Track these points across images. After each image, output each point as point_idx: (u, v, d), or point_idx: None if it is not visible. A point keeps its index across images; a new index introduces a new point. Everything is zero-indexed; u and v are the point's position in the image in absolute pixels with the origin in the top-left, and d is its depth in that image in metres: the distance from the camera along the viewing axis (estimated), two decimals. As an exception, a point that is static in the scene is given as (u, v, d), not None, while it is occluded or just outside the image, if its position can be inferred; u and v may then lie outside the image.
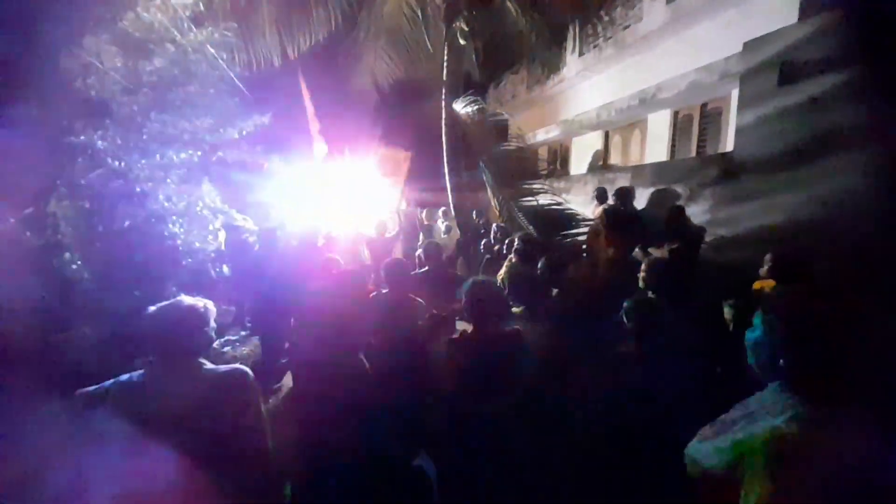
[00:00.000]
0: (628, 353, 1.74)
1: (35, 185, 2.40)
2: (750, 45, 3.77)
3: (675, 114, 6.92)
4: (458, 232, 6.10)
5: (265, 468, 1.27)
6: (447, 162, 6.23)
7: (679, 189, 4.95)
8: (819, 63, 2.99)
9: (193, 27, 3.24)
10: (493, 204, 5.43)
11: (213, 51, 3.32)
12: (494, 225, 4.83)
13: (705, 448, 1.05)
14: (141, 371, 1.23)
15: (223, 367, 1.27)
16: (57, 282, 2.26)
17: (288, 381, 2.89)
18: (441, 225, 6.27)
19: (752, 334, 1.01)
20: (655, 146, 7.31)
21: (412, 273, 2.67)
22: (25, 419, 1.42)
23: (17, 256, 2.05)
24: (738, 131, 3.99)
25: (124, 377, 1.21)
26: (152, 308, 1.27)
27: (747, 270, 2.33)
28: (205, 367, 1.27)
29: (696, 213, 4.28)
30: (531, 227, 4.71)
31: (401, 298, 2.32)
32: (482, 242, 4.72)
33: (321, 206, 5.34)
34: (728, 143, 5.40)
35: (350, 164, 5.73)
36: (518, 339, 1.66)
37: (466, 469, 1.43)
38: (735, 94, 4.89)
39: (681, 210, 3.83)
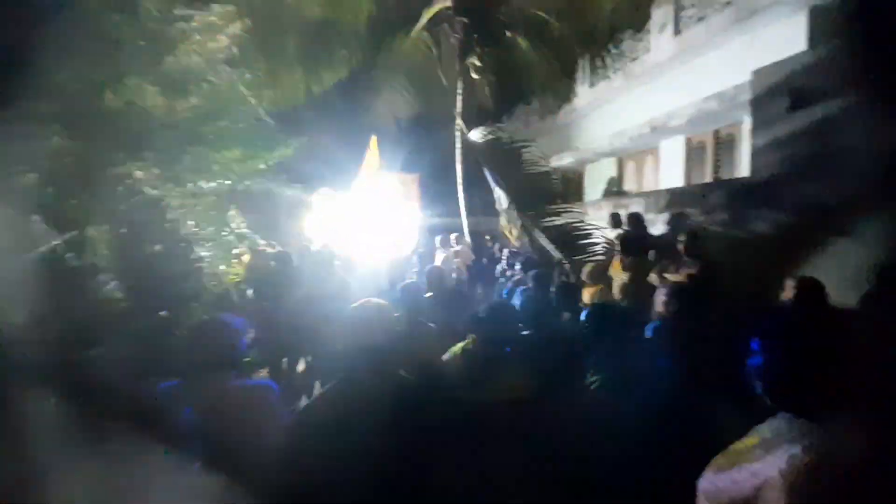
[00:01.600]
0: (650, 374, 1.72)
1: (77, 211, 2.58)
2: (759, 73, 3.85)
3: (689, 140, 6.98)
4: (468, 257, 6.16)
5: (283, 481, 1.29)
6: (461, 189, 6.38)
7: (694, 212, 4.94)
8: (828, 88, 3.04)
9: (227, 68, 3.51)
10: (504, 226, 5.48)
11: (243, 89, 3.57)
12: (506, 250, 4.86)
13: (721, 479, 1.03)
14: (175, 381, 1.30)
15: (251, 381, 1.33)
16: (92, 301, 2.40)
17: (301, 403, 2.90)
18: (450, 251, 6.33)
19: (755, 361, 1.00)
20: (670, 172, 7.34)
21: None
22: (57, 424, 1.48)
23: (60, 276, 2.21)
24: (755, 155, 4.02)
25: (163, 385, 1.27)
26: (192, 322, 1.34)
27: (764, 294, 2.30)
28: (234, 380, 1.32)
29: (712, 237, 4.25)
30: (554, 247, 4.70)
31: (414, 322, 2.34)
32: (497, 267, 4.76)
33: (341, 230, 5.50)
34: (743, 168, 5.40)
35: (368, 191, 5.94)
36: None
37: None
38: (747, 120, 4.93)
39: (697, 234, 3.81)
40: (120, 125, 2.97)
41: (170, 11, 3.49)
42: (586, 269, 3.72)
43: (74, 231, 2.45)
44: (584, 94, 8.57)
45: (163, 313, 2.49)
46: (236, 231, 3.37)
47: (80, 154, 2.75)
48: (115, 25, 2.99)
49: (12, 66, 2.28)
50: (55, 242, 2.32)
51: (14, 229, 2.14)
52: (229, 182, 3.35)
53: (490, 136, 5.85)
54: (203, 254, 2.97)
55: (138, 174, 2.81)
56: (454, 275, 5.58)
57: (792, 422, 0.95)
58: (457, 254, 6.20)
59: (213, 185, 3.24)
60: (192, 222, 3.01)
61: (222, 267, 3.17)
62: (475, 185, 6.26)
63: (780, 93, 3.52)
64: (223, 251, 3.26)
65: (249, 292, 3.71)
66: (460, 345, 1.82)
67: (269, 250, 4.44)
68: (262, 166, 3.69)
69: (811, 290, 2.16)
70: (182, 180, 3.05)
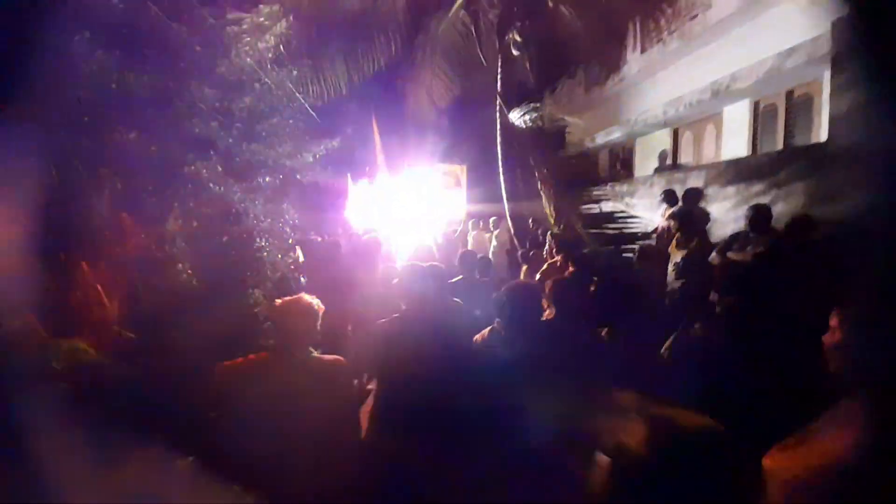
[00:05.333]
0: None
1: (159, 208, 2.89)
2: (840, 23, 3.39)
3: (756, 104, 6.34)
4: (509, 242, 6.10)
5: (356, 456, 1.42)
6: (503, 172, 6.28)
7: (762, 186, 4.53)
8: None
9: (276, 67, 3.69)
10: (548, 212, 5.37)
11: (291, 86, 3.75)
12: (549, 233, 4.77)
13: (789, 459, 1.00)
14: (255, 356, 1.44)
15: (328, 357, 1.46)
16: (173, 288, 2.71)
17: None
18: (491, 234, 6.31)
19: (833, 338, 0.94)
20: (733, 141, 6.73)
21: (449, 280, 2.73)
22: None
23: (149, 265, 2.53)
24: (833, 119, 3.58)
25: (240, 361, 1.42)
26: (278, 301, 1.48)
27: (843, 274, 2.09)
28: (313, 354, 1.45)
29: (784, 212, 3.88)
30: (590, 235, 4.58)
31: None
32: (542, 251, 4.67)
33: (388, 218, 5.67)
34: (821, 133, 4.83)
35: (412, 179, 6.03)
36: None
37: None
38: (827, 77, 4.38)
39: (767, 209, 3.48)
40: (186, 127, 3.24)
41: (223, 16, 3.71)
42: (639, 251, 3.57)
43: (156, 225, 2.75)
44: (634, 61, 8.00)
45: (233, 298, 2.76)
46: (290, 222, 3.60)
47: (154, 155, 3.05)
48: (175, 34, 3.23)
49: (86, 75, 2.56)
50: (142, 235, 2.63)
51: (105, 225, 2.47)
52: (282, 176, 3.56)
53: (528, 117, 5.68)
54: (263, 245, 3.21)
55: (204, 172, 3.08)
56: (491, 258, 5.60)
57: (865, 402, 0.90)
58: (496, 237, 6.19)
59: (268, 179, 3.46)
60: (252, 215, 3.26)
61: (280, 256, 3.41)
62: (517, 167, 6.14)
63: (864, 45, 3.08)
64: (279, 241, 3.51)
65: (303, 279, 3.97)
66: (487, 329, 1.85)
67: (319, 239, 4.69)
68: (311, 159, 3.87)
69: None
70: (242, 177, 3.29)
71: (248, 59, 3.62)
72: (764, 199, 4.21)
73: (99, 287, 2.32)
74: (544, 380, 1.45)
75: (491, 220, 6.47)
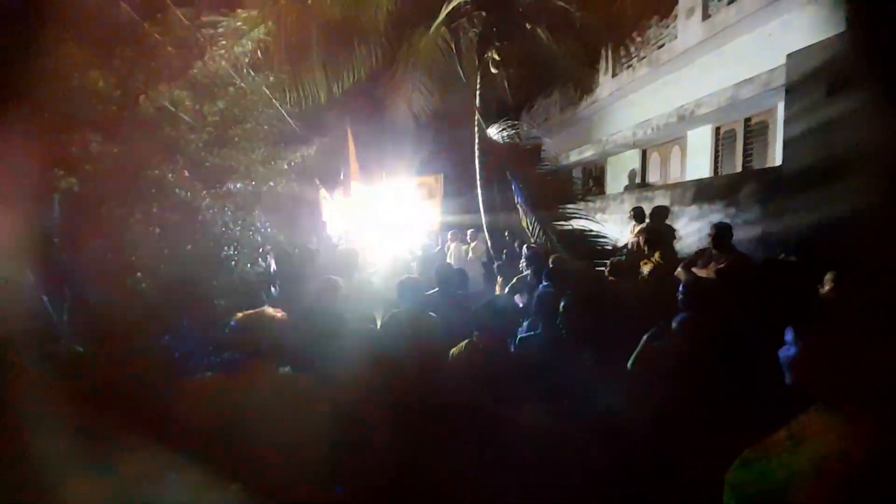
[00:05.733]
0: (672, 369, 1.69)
1: (116, 213, 2.74)
2: (794, 56, 3.66)
3: (717, 129, 6.71)
4: (486, 254, 6.15)
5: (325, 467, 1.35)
6: (480, 185, 6.35)
7: (723, 205, 4.76)
8: (868, 72, 2.85)
9: (252, 72, 3.62)
10: (524, 224, 5.45)
11: (267, 91, 3.68)
12: (525, 247, 4.83)
13: (750, 472, 1.01)
14: (212, 373, 1.36)
15: (286, 371, 1.40)
16: (128, 298, 2.55)
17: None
18: (467, 247, 6.35)
19: (788, 352, 0.98)
20: (697, 162, 7.09)
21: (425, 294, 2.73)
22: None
23: (100, 274, 2.36)
24: (787, 144, 3.83)
25: (208, 374, 1.34)
26: (239, 315, 1.40)
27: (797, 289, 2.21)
28: (278, 369, 1.38)
29: (743, 230, 4.09)
30: (564, 251, 4.68)
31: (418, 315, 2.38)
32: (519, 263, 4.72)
33: (362, 228, 5.60)
34: (776, 157, 5.15)
35: (389, 190, 6.01)
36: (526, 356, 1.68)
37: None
38: (781, 106, 4.70)
39: (727, 227, 3.66)
40: (152, 130, 3.11)
41: (198, 18, 3.62)
42: (610, 265, 3.66)
43: (115, 232, 2.60)
44: (606, 84, 8.35)
45: (192, 310, 2.62)
46: (261, 231, 3.49)
47: (117, 158, 2.90)
48: (147, 34, 3.12)
49: (49, 72, 2.43)
50: (98, 242, 2.47)
51: (57, 232, 2.30)
52: (254, 183, 3.46)
53: (506, 133, 5.81)
54: (231, 253, 3.09)
55: (170, 177, 2.95)
56: (468, 270, 5.61)
57: (823, 414, 0.93)
58: (472, 249, 6.22)
59: (239, 185, 3.36)
60: (220, 222, 3.14)
61: (249, 265, 3.29)
62: (495, 181, 6.22)
63: (816, 77, 3.34)
64: (250, 250, 3.39)
65: (274, 290, 3.84)
66: (464, 343, 1.84)
67: (295, 250, 4.56)
68: (285, 167, 3.79)
69: (848, 285, 2.07)
70: (210, 182, 3.18)
71: (224, 63, 3.54)
72: (725, 218, 4.43)
73: (44, 298, 2.16)
74: (523, 389, 1.45)
75: (469, 231, 6.51)
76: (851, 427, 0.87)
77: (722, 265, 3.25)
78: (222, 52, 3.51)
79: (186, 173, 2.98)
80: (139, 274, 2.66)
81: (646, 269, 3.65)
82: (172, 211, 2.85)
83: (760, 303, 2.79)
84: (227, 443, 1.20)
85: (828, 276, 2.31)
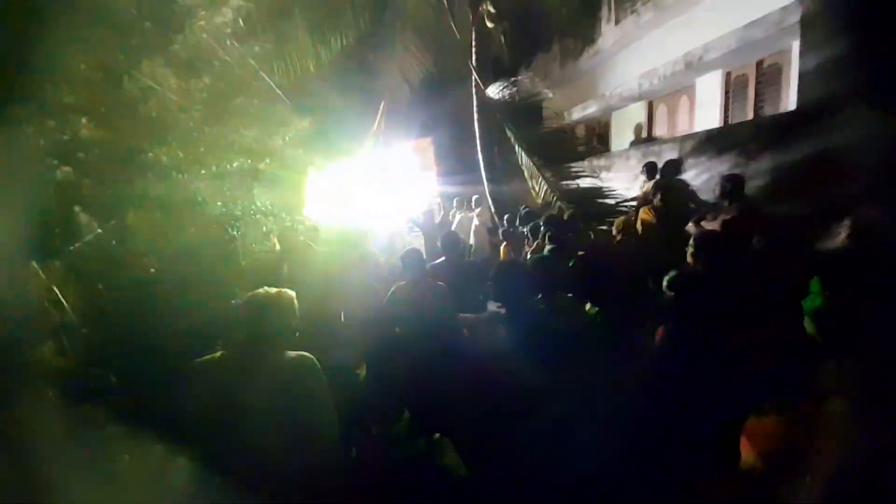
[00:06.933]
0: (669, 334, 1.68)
1: (115, 198, 2.70)
2: (810, -10, 3.40)
3: (727, 75, 6.38)
4: (490, 220, 6.08)
5: (333, 449, 1.37)
6: (481, 149, 6.19)
7: (735, 156, 4.60)
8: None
9: (236, 43, 3.45)
10: (530, 186, 5.35)
11: (254, 63, 3.52)
12: (522, 208, 4.74)
13: (764, 423, 1.02)
14: (220, 353, 1.36)
15: (292, 353, 1.37)
16: (136, 284, 2.57)
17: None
18: (472, 214, 6.27)
19: (813, 303, 0.95)
20: (706, 113, 6.80)
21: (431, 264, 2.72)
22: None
23: (107, 262, 2.36)
24: (802, 86, 3.63)
25: (207, 357, 1.34)
26: (246, 295, 1.38)
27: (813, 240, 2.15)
28: (283, 353, 1.35)
29: (756, 181, 3.96)
30: (571, 210, 4.60)
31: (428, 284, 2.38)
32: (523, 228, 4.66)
33: (363, 200, 5.53)
34: (790, 102, 4.92)
35: (386, 158, 5.88)
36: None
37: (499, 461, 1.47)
38: (795, 46, 4.43)
39: (740, 178, 3.52)
40: (140, 111, 3.01)
41: (172, -12, 3.41)
42: (617, 222, 3.60)
43: (113, 220, 2.57)
44: (608, 33, 7.89)
45: (204, 292, 2.63)
46: (263, 210, 3.45)
47: (108, 143, 2.83)
48: (120, 10, 2.96)
49: (28, 60, 2.32)
50: (98, 231, 2.45)
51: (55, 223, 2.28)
52: (251, 161, 3.38)
53: (506, 91, 5.57)
54: (234, 234, 3.07)
55: (165, 159, 2.88)
56: (472, 238, 5.57)
57: (840, 366, 0.92)
58: (477, 216, 6.15)
59: (235, 164, 3.29)
60: (220, 203, 3.10)
61: (254, 245, 3.28)
62: (497, 144, 6.05)
63: (832, 13, 3.10)
64: (253, 230, 3.36)
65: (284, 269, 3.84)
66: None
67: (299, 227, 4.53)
68: (280, 142, 3.69)
69: (866, 232, 2.01)
70: (206, 162, 3.11)
71: (204, 36, 3.37)
72: (736, 169, 4.29)
73: (55, 288, 2.16)
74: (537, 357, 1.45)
75: (473, 198, 6.43)
76: (868, 380, 0.85)
77: (728, 217, 3.18)
78: (202, 23, 3.33)
79: (180, 154, 2.91)
80: (145, 259, 2.66)
81: (659, 224, 3.58)
82: (170, 194, 2.81)
83: (772, 255, 2.74)
84: (233, 426, 1.20)
85: (844, 223, 2.25)
